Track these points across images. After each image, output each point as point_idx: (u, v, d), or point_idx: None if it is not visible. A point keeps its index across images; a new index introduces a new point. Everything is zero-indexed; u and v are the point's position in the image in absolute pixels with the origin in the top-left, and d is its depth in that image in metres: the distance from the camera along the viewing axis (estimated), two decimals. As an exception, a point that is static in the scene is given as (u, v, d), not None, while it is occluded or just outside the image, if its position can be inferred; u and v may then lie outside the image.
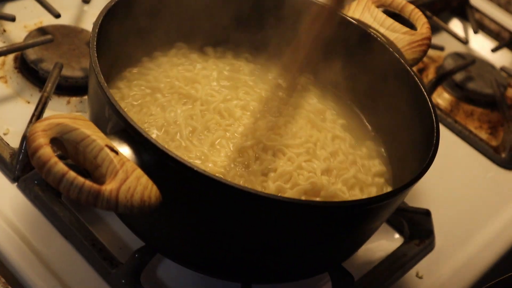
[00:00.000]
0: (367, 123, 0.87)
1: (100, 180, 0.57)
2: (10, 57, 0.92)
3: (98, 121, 0.63)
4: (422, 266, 0.85)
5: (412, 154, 0.76)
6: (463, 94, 1.15)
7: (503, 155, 1.04)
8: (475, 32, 1.30)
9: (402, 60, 0.81)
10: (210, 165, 0.71)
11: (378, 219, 0.72)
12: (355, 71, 0.86)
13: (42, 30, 0.94)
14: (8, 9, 0.99)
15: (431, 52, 1.20)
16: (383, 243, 0.86)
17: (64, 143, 0.58)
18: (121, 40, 0.77)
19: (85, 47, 0.93)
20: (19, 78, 0.90)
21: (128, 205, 0.56)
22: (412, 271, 0.85)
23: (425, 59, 1.18)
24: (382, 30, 0.85)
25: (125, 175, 0.57)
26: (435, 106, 0.77)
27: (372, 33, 0.84)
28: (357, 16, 0.86)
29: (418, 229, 0.87)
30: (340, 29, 0.84)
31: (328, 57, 0.86)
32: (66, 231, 0.75)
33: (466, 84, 1.15)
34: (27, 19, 0.99)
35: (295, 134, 0.77)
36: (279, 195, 0.70)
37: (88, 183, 0.54)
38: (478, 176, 1.02)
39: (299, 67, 0.78)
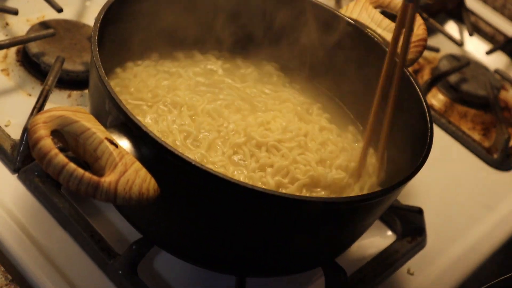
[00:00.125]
0: (348, 111, 0.88)
1: (100, 172, 0.57)
2: (13, 50, 0.93)
3: (99, 114, 0.63)
4: (413, 263, 0.86)
5: (405, 153, 0.76)
6: (457, 95, 1.15)
7: (495, 156, 1.05)
8: (470, 34, 1.30)
9: (397, 60, 0.81)
10: (210, 166, 0.71)
11: (371, 216, 0.72)
12: (351, 71, 0.86)
13: (44, 24, 0.94)
14: (11, 2, 0.99)
15: (426, 53, 1.20)
16: (376, 239, 0.86)
17: (65, 135, 0.58)
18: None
19: (86, 41, 0.93)
20: (21, 71, 0.91)
21: (126, 197, 0.56)
22: (404, 268, 0.85)
23: (420, 60, 1.18)
24: (379, 30, 0.85)
25: (124, 167, 0.57)
26: (430, 107, 0.77)
27: (369, 33, 0.84)
28: (354, 16, 0.86)
29: (410, 226, 0.87)
30: (337, 28, 0.84)
31: (324, 56, 0.86)
32: (65, 222, 0.75)
33: (461, 85, 1.15)
34: (30, 13, 0.99)
35: (285, 128, 0.77)
36: (279, 190, 0.70)
37: (87, 174, 0.55)
38: (470, 176, 1.03)
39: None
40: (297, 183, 0.72)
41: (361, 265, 0.82)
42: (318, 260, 0.74)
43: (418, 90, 0.78)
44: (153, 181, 0.58)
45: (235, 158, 0.73)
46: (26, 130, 0.78)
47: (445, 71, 1.15)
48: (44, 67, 0.89)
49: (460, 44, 1.28)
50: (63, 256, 0.72)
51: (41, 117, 0.56)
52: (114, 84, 0.78)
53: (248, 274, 0.72)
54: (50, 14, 0.98)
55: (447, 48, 1.25)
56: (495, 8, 1.43)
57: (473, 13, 1.37)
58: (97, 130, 0.58)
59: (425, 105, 0.76)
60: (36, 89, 0.88)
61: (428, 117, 0.75)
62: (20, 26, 0.97)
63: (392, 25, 0.85)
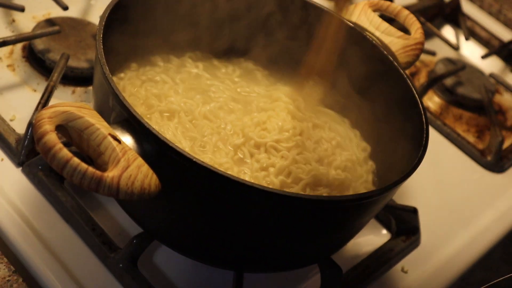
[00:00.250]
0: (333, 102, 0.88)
1: (103, 167, 0.57)
2: (19, 46, 0.93)
3: (102, 110, 0.63)
4: (407, 261, 0.86)
5: (401, 154, 0.77)
6: (452, 98, 1.15)
7: (489, 158, 1.05)
8: (466, 39, 1.30)
9: (395, 63, 0.81)
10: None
11: (367, 215, 0.72)
12: (349, 72, 0.86)
13: (50, 22, 0.94)
14: None
15: (423, 56, 1.20)
16: (371, 238, 0.86)
17: (69, 131, 0.58)
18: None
19: (91, 39, 0.93)
20: (26, 67, 0.91)
21: (128, 192, 0.57)
22: (398, 266, 0.85)
23: (417, 63, 1.18)
24: (377, 33, 0.85)
25: (127, 163, 0.57)
26: (426, 109, 0.77)
27: (368, 36, 0.84)
28: (354, 19, 0.86)
29: (405, 226, 0.87)
30: (336, 30, 0.84)
31: (323, 57, 0.86)
32: (68, 215, 0.75)
33: (456, 88, 1.15)
34: (36, 10, 0.99)
35: (281, 128, 0.77)
36: (284, 189, 0.71)
37: (91, 169, 0.55)
38: (464, 178, 1.03)
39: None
40: (301, 182, 0.72)
41: (356, 262, 0.82)
42: (315, 257, 0.75)
43: (415, 92, 0.78)
44: (154, 176, 0.59)
45: (235, 158, 0.73)
46: (30, 124, 0.78)
47: (441, 74, 1.15)
48: (49, 64, 0.89)
49: (456, 48, 1.28)
50: (65, 248, 0.72)
51: (46, 112, 0.57)
52: None
53: (246, 269, 0.73)
54: (56, 12, 0.98)
55: (444, 51, 1.26)
56: (491, 13, 1.43)
57: (469, 18, 1.37)
58: (100, 126, 0.58)
59: (421, 107, 0.76)
60: (41, 85, 0.88)
61: (424, 119, 0.75)
62: (26, 23, 0.97)
63: (390, 28, 0.85)
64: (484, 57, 1.28)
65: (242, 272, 0.72)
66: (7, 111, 0.84)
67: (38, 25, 0.93)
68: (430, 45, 1.24)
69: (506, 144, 1.09)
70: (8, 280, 0.67)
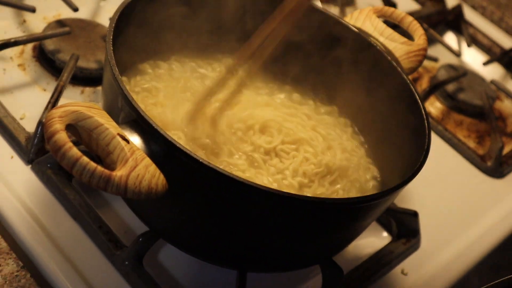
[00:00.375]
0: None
1: (111, 166, 0.57)
2: (29, 46, 0.93)
3: (111, 110, 0.63)
4: (407, 263, 0.86)
5: (403, 158, 0.77)
6: (454, 104, 1.15)
7: (489, 163, 1.05)
8: (468, 45, 1.30)
9: (399, 69, 0.82)
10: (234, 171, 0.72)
11: (368, 217, 0.72)
12: (353, 77, 0.87)
13: (60, 23, 0.94)
14: (29, 1, 0.99)
15: (425, 62, 1.20)
16: (372, 240, 0.87)
17: (79, 130, 0.58)
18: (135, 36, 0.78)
19: (100, 40, 0.94)
20: (36, 66, 0.91)
21: (136, 191, 0.57)
22: (398, 268, 0.85)
23: (420, 69, 1.18)
24: (381, 39, 0.85)
25: (135, 163, 0.57)
26: (428, 114, 0.77)
27: (372, 42, 0.84)
28: (358, 24, 0.86)
29: (405, 228, 0.87)
30: (341, 36, 0.85)
31: (328, 62, 0.86)
32: (75, 213, 0.75)
33: (457, 94, 1.15)
34: (47, 11, 0.99)
35: (280, 130, 0.78)
36: (303, 189, 0.73)
37: (99, 168, 0.55)
38: (464, 182, 1.03)
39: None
40: (317, 177, 0.74)
41: (357, 264, 0.82)
42: (316, 257, 0.75)
43: (417, 97, 0.78)
44: (162, 176, 0.59)
45: (250, 161, 0.74)
46: (40, 123, 0.78)
47: (443, 80, 1.15)
48: (59, 64, 0.90)
49: (458, 54, 1.28)
50: (72, 245, 0.73)
51: (57, 112, 0.57)
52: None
53: (249, 269, 0.73)
54: (66, 13, 0.98)
55: (446, 58, 1.26)
56: (492, 21, 1.43)
57: (471, 25, 1.37)
58: (109, 126, 0.58)
59: (423, 113, 0.76)
60: (50, 85, 0.89)
61: (426, 124, 0.75)
62: (37, 23, 0.97)
63: (394, 34, 0.85)
64: (485, 64, 1.28)
65: (245, 272, 0.73)
66: (17, 109, 0.84)
67: (48, 26, 0.93)
68: (432, 51, 1.24)
69: (506, 150, 1.09)
70: (17, 275, 0.67)
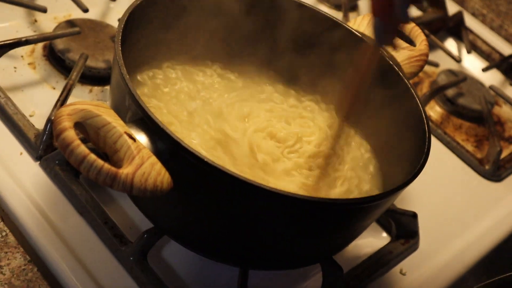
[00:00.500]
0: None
1: (118, 164, 0.57)
2: (40, 45, 0.93)
3: (119, 109, 0.63)
4: (406, 264, 0.86)
5: (403, 160, 0.76)
6: (453, 108, 1.15)
7: (487, 167, 1.05)
8: (468, 52, 1.30)
9: (400, 73, 0.81)
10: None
11: (368, 218, 0.72)
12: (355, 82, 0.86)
13: (70, 23, 0.94)
14: (41, 1, 0.99)
15: (426, 67, 1.20)
16: (372, 240, 0.86)
17: (87, 128, 0.58)
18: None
19: (109, 41, 0.94)
20: (46, 65, 0.91)
21: (142, 188, 0.57)
22: (397, 268, 0.85)
23: (420, 74, 1.18)
24: (384, 44, 0.85)
25: (141, 161, 0.57)
26: (428, 118, 0.77)
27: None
28: (361, 29, 0.86)
29: (404, 229, 0.87)
30: (344, 41, 0.84)
31: (330, 67, 0.86)
32: (82, 208, 0.75)
33: (457, 99, 1.15)
34: (57, 11, 0.99)
35: (281, 132, 0.79)
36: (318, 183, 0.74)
37: (106, 166, 0.55)
38: (462, 185, 1.02)
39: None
40: (325, 162, 0.76)
41: (356, 263, 0.82)
42: (317, 256, 0.74)
43: (418, 102, 0.78)
44: (167, 174, 0.58)
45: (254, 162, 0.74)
46: (49, 120, 0.78)
47: (443, 85, 1.15)
48: (69, 63, 0.90)
49: (458, 60, 1.28)
50: (78, 240, 0.72)
51: (66, 110, 0.57)
52: None
53: (251, 266, 0.73)
54: (76, 14, 0.98)
55: (446, 63, 1.25)
56: (492, 28, 1.43)
57: (471, 32, 1.37)
58: (117, 124, 0.58)
59: (424, 117, 0.76)
60: (60, 83, 0.89)
61: (426, 128, 0.75)
62: (47, 23, 0.97)
63: (396, 39, 0.85)
64: (484, 70, 1.27)
65: (247, 269, 0.72)
66: (27, 107, 0.84)
67: (59, 26, 0.93)
68: (433, 56, 1.24)
69: (503, 154, 1.08)
70: (24, 269, 0.67)
